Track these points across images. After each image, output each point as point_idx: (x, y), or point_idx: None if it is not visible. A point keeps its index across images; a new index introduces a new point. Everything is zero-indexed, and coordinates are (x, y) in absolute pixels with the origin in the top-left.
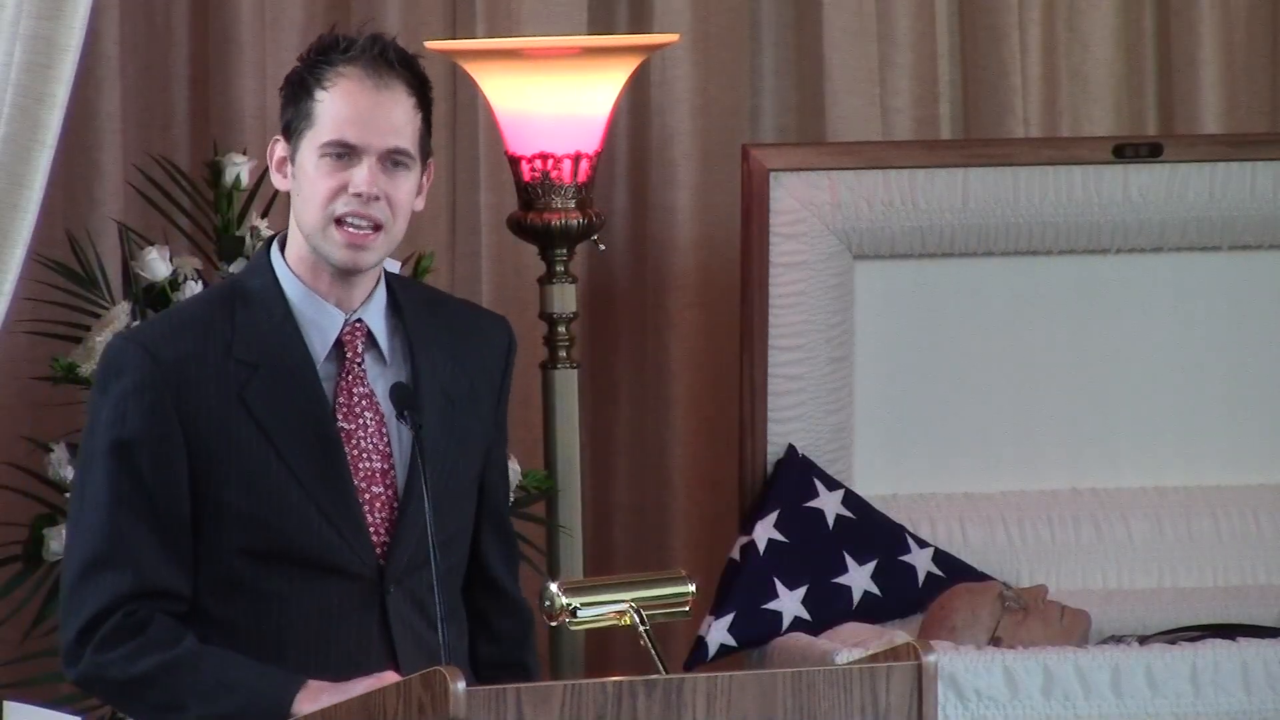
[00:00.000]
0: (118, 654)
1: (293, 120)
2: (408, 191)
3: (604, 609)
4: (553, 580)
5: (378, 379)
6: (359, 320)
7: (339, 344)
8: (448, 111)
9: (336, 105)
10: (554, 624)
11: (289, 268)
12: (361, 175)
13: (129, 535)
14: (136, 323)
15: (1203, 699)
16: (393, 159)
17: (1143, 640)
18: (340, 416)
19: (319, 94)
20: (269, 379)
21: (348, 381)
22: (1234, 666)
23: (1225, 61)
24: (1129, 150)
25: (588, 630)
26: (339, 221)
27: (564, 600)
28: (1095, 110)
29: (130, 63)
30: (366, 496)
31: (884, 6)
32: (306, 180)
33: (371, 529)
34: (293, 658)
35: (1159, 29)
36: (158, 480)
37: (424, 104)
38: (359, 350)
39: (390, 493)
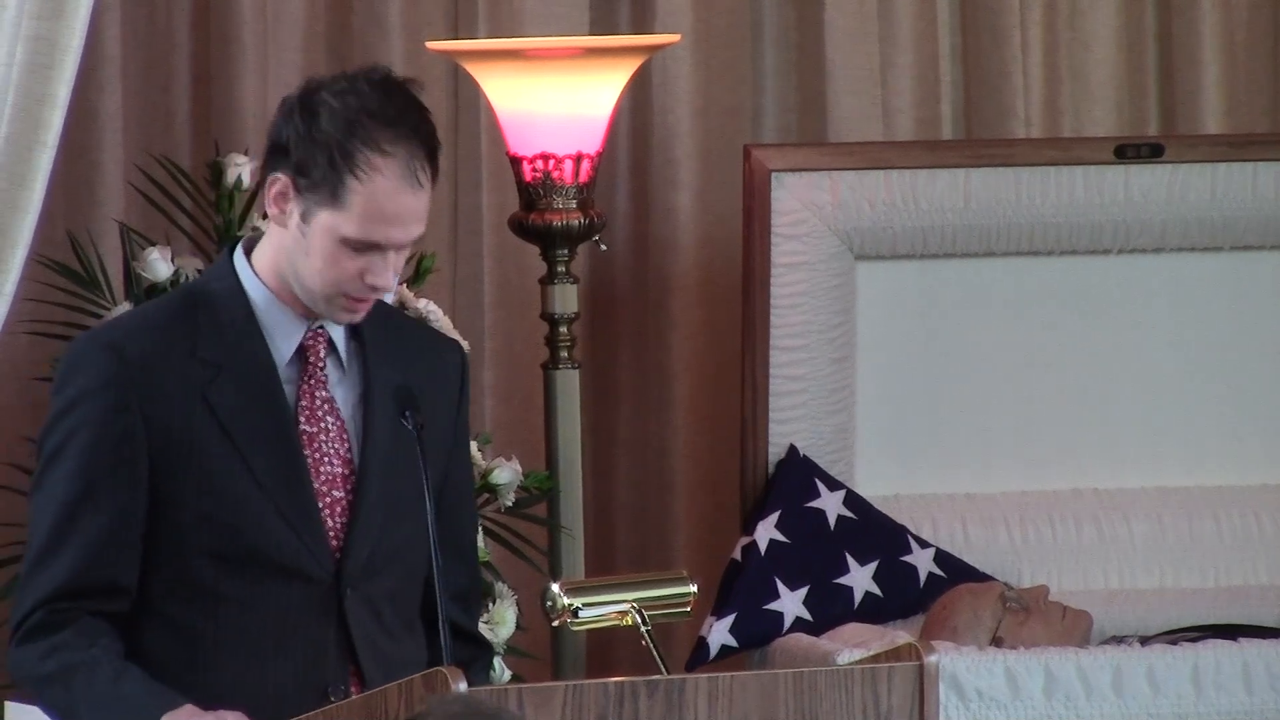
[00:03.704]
0: (32, 650)
1: (313, 177)
2: (407, 253)
3: (606, 609)
4: (554, 581)
5: (338, 385)
6: (320, 327)
7: (301, 349)
8: (449, 112)
9: (367, 203)
10: (556, 624)
11: (256, 275)
12: (385, 275)
13: (76, 532)
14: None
15: (1204, 699)
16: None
17: (1144, 641)
18: (303, 419)
19: (350, 181)
20: (232, 380)
21: (310, 385)
22: (1235, 667)
23: (1227, 62)
24: (1130, 150)
25: (589, 631)
26: (345, 294)
27: (566, 600)
28: (1097, 110)
29: (132, 63)
30: (327, 500)
31: (885, 7)
32: (317, 252)
33: (331, 533)
34: (251, 661)
35: (1160, 29)
36: (117, 478)
37: (437, 169)
38: (321, 355)
39: (350, 498)
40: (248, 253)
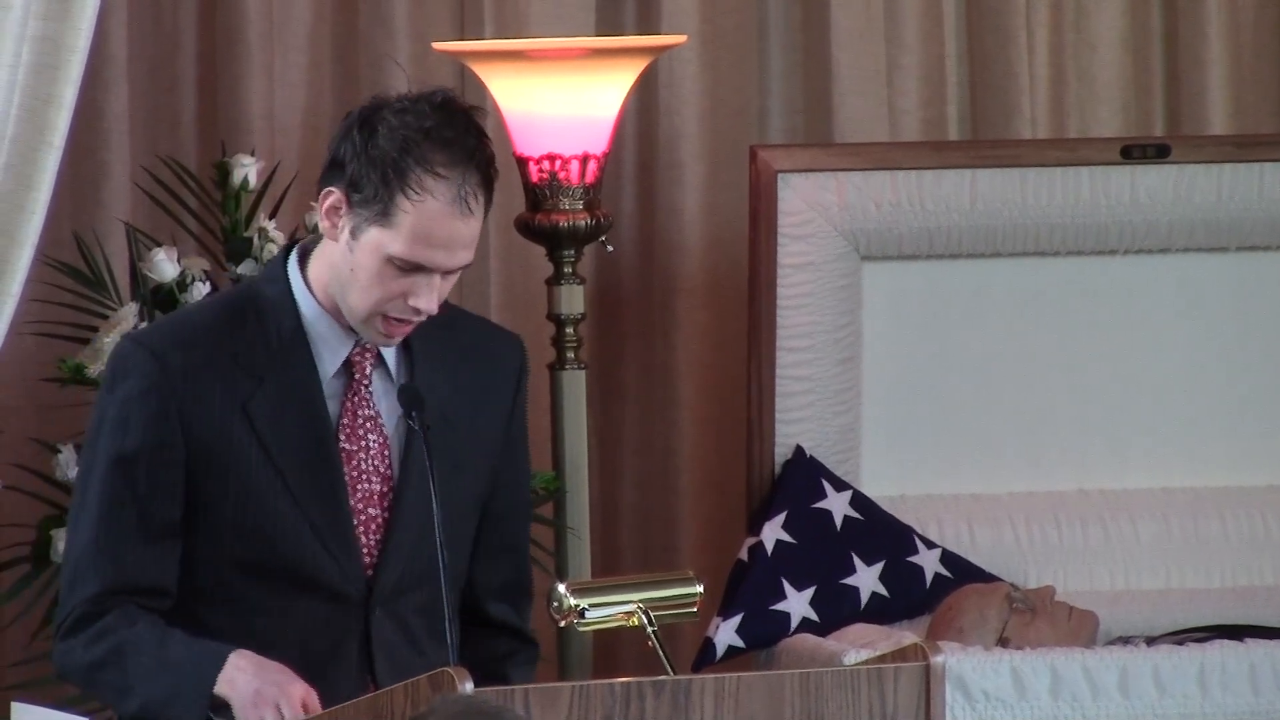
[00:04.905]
0: (78, 641)
1: (365, 193)
2: (455, 279)
3: (612, 610)
4: (561, 581)
5: (384, 398)
6: (370, 342)
7: (348, 363)
8: None
9: (416, 224)
10: (562, 625)
11: (307, 286)
12: (429, 298)
13: (114, 536)
14: (144, 324)
15: (1210, 700)
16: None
17: (1150, 641)
18: (343, 437)
19: (401, 199)
20: (274, 393)
21: (353, 402)
22: (1241, 667)
23: (1233, 63)
24: (1136, 151)
25: (596, 631)
26: (385, 315)
27: (572, 601)
28: (1103, 111)
29: (137, 64)
30: (362, 518)
31: (892, 7)
32: (363, 269)
33: (365, 550)
34: None
35: (1166, 30)
36: (153, 487)
37: (491, 197)
38: (367, 372)
39: (386, 515)
40: (303, 258)
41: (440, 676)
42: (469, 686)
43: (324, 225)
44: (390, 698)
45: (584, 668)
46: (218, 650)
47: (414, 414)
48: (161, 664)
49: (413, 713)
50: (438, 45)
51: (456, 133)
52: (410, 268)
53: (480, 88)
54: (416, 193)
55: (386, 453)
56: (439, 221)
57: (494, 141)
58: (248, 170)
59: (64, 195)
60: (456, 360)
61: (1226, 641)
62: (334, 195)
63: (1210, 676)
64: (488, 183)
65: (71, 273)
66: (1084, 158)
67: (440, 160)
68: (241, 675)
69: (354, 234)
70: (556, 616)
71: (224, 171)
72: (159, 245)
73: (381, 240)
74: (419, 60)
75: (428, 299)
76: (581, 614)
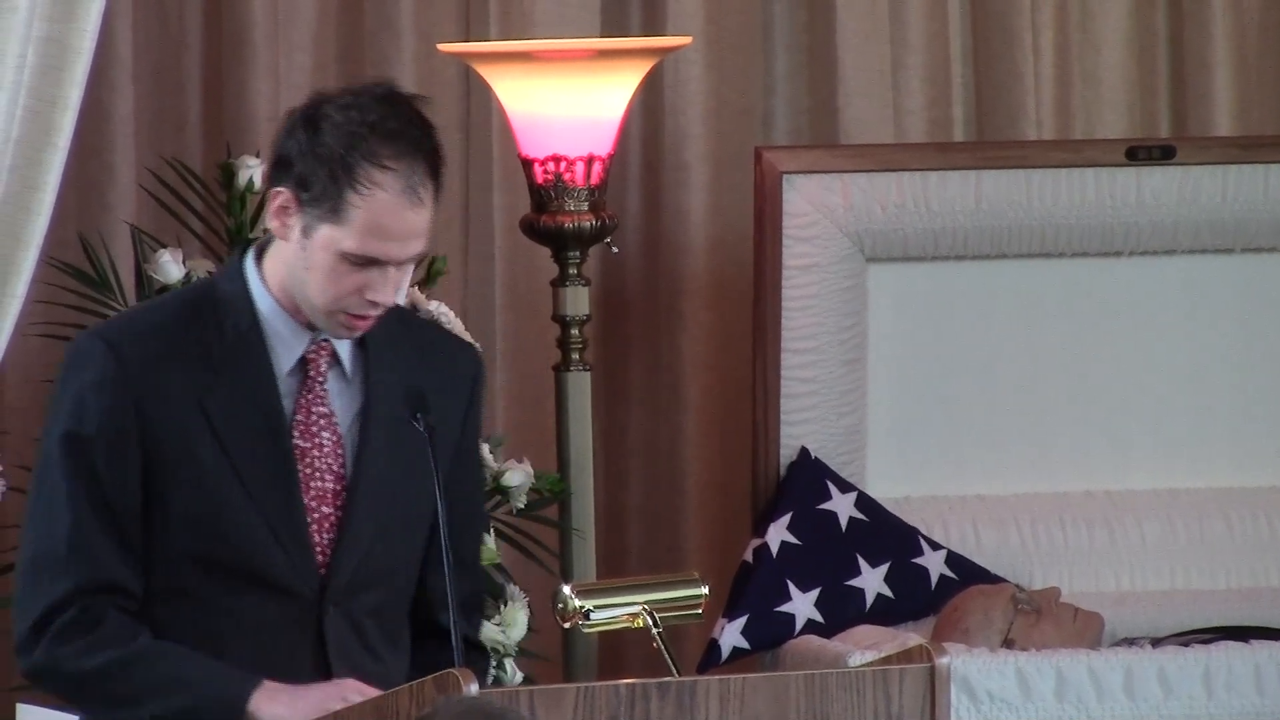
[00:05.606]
0: (73, 648)
1: (314, 192)
2: (411, 270)
3: (617, 611)
4: (566, 583)
5: (339, 396)
6: (325, 340)
7: (303, 360)
8: (461, 114)
9: (367, 218)
10: (567, 626)
11: (264, 283)
12: (386, 291)
13: (85, 530)
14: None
15: (1215, 701)
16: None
17: (1155, 642)
18: (297, 434)
19: (351, 195)
20: (229, 388)
21: (307, 400)
22: (1246, 668)
23: (1237, 64)
24: (1141, 152)
25: (601, 633)
26: (345, 311)
27: (577, 603)
28: (1108, 112)
29: (143, 65)
30: (315, 516)
31: (897, 8)
32: (318, 266)
33: (317, 549)
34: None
35: (1171, 31)
36: (112, 477)
37: (440, 185)
38: (322, 369)
39: (339, 515)
40: (260, 256)
41: (445, 678)
42: (474, 688)
43: (274, 225)
44: (395, 698)
45: (589, 669)
46: (247, 674)
47: (418, 416)
48: (177, 680)
49: (418, 713)
50: (443, 46)
51: (401, 124)
52: (364, 262)
53: (485, 89)
54: (366, 187)
55: (340, 451)
56: (390, 214)
57: (500, 143)
58: (253, 172)
59: (69, 197)
60: (412, 357)
61: (1231, 643)
62: (283, 195)
63: (1215, 678)
64: (435, 171)
65: (76, 274)
66: (1089, 159)
67: (387, 153)
68: (283, 694)
69: (305, 233)
70: (561, 618)
71: (229, 173)
72: (164, 247)
73: (334, 237)
74: (424, 61)
75: (384, 292)
76: (586, 615)
